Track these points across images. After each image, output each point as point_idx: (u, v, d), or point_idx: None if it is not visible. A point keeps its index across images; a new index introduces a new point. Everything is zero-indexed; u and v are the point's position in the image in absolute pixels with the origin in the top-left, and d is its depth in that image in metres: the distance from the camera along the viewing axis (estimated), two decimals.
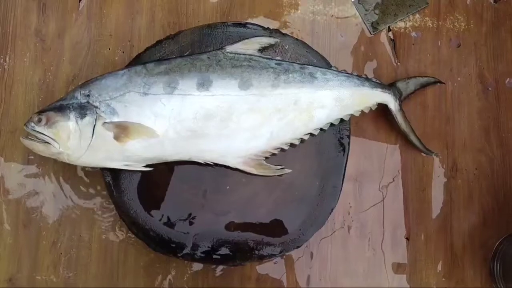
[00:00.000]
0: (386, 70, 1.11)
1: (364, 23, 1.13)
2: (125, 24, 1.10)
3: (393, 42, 1.13)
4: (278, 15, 1.13)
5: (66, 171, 1.04)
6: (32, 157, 1.04)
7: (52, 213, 1.03)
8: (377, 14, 1.14)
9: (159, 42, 0.99)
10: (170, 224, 0.94)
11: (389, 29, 1.13)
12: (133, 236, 0.97)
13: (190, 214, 0.95)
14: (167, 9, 1.11)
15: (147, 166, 0.93)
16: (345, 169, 0.98)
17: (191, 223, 0.95)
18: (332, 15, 1.13)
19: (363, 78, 0.98)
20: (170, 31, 1.09)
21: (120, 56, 1.09)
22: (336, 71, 0.98)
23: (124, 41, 1.10)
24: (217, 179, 0.95)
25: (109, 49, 1.09)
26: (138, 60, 0.98)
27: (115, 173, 0.94)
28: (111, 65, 1.08)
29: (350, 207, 1.06)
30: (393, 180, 1.08)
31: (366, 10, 1.14)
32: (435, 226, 1.07)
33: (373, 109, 1.00)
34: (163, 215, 0.94)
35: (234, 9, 1.12)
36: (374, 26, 1.13)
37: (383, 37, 1.13)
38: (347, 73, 0.98)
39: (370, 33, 1.13)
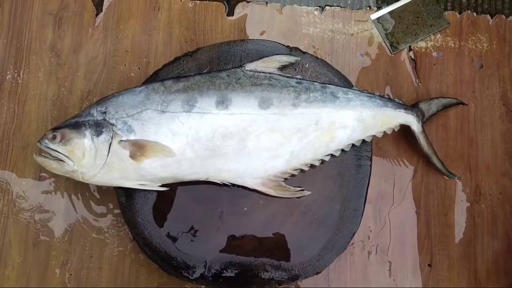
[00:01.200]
0: (407, 90, 1.10)
1: (385, 42, 1.12)
2: (142, 40, 1.10)
3: (414, 62, 1.11)
4: (296, 33, 1.11)
5: (78, 189, 1.02)
6: (44, 174, 1.03)
7: (63, 232, 1.01)
8: (397, 34, 1.12)
9: (177, 59, 0.99)
10: (184, 246, 0.92)
11: (410, 49, 1.12)
12: (146, 257, 0.94)
13: (205, 236, 0.92)
14: (185, 26, 1.11)
15: (162, 185, 0.91)
16: (367, 192, 0.95)
17: (206, 246, 0.93)
18: (352, 33, 1.12)
19: (385, 99, 0.96)
20: (188, 47, 1.09)
21: (136, 72, 1.08)
22: (358, 90, 0.96)
23: (140, 57, 1.09)
24: (234, 200, 0.93)
25: (125, 65, 1.09)
26: (155, 77, 0.97)
27: (130, 192, 0.92)
28: (126, 82, 1.08)
29: (370, 231, 1.04)
30: (415, 204, 1.05)
31: (386, 29, 1.13)
32: (458, 252, 1.04)
33: (396, 130, 0.98)
34: (177, 236, 0.92)
35: (252, 26, 1.12)
36: (395, 46, 1.12)
37: (404, 56, 1.12)
38: (369, 93, 0.96)
39: (391, 53, 1.12)
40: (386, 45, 1.12)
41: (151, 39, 1.10)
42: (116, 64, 1.09)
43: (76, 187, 1.02)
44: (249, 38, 1.08)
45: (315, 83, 0.94)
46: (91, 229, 1.01)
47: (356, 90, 0.96)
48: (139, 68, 1.08)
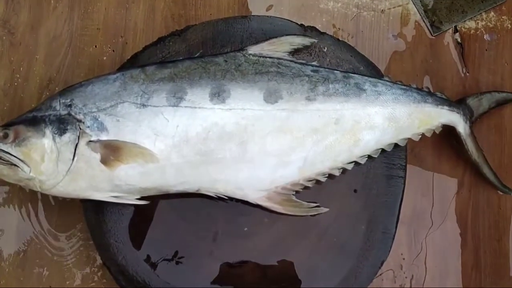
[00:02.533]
0: (451, 82, 1.10)
1: (424, 21, 1.12)
2: (117, 15, 1.11)
3: (460, 46, 1.12)
4: (312, 9, 1.12)
5: (34, 202, 1.03)
6: None
7: (14, 257, 1.01)
8: (440, 10, 1.13)
9: (161, 40, 0.99)
10: (167, 275, 0.92)
11: (456, 30, 1.12)
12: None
13: (195, 263, 0.93)
14: None
15: (142, 198, 0.91)
16: (399, 210, 0.96)
17: (195, 275, 0.93)
18: (383, 10, 1.13)
19: (424, 92, 0.97)
20: (175, 25, 1.10)
21: (109, 55, 1.09)
22: (390, 82, 0.96)
23: (115, 36, 1.10)
24: (232, 218, 0.94)
25: (96, 46, 1.09)
26: (134, 62, 0.98)
27: (100, 207, 0.93)
28: (98, 67, 1.09)
29: (403, 259, 1.04)
30: (459, 226, 1.05)
31: (425, 4, 1.13)
32: None
33: (437, 132, 0.98)
34: (159, 263, 0.92)
35: (255, 0, 1.12)
36: (437, 26, 1.12)
37: (448, 39, 1.12)
38: (404, 85, 0.96)
39: (431, 34, 1.12)
40: (426, 24, 1.12)
41: (128, 14, 1.11)
42: (85, 45, 1.09)
43: (33, 200, 1.03)
44: (252, 14, 1.08)
45: (335, 71, 0.95)
46: (51, 252, 1.01)
47: (387, 81, 0.96)
48: (113, 51, 1.09)
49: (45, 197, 1.02)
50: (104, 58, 1.09)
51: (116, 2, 1.11)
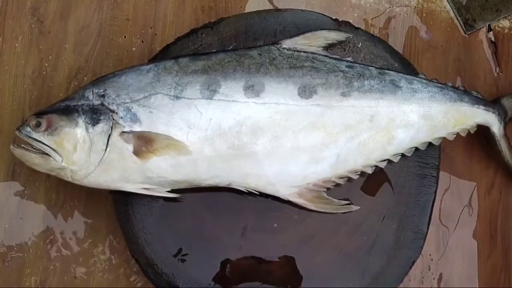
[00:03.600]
0: (484, 81, 1.10)
1: (457, 19, 1.12)
2: (147, 6, 1.10)
3: (494, 45, 1.11)
4: (344, 3, 1.11)
5: (61, 191, 1.03)
6: (19, 171, 1.03)
7: (41, 246, 1.01)
8: (474, 8, 1.12)
9: (194, 31, 0.99)
10: (196, 269, 0.92)
11: (490, 29, 1.11)
12: (147, 281, 0.95)
13: (223, 258, 0.93)
14: None
15: (172, 191, 0.91)
16: (431, 210, 0.95)
17: (224, 269, 0.93)
18: (415, 6, 1.12)
19: (460, 91, 0.96)
20: (205, 17, 1.09)
21: (138, 46, 1.09)
22: (426, 79, 0.95)
23: (144, 27, 1.10)
24: (262, 213, 0.93)
25: (125, 36, 1.09)
26: (166, 53, 0.97)
27: (130, 198, 0.93)
28: (126, 58, 1.08)
29: (431, 259, 1.04)
30: (490, 228, 1.05)
31: (459, 2, 1.12)
32: None
33: (472, 132, 0.97)
34: (188, 256, 0.92)
35: None
36: (470, 24, 1.11)
37: (482, 38, 1.11)
38: (440, 83, 0.96)
39: (464, 33, 1.11)
40: (459, 22, 1.12)
41: (158, 5, 1.10)
42: (114, 35, 1.09)
43: (59, 189, 1.03)
44: (283, 7, 1.07)
45: (370, 68, 0.94)
46: (78, 242, 1.02)
47: (423, 78, 0.95)
48: (142, 42, 1.09)
49: (72, 185, 1.01)
50: (133, 49, 1.08)
51: None
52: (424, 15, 1.12)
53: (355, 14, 1.11)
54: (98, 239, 1.02)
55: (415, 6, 1.12)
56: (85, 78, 1.07)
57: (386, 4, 1.12)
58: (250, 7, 1.10)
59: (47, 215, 1.03)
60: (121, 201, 0.93)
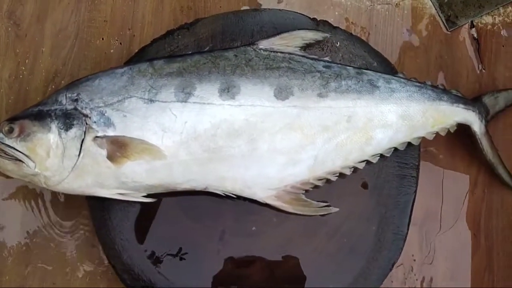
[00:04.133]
0: (466, 79, 1.08)
1: (439, 15, 1.11)
2: (125, 7, 1.10)
3: (476, 42, 1.10)
4: (325, 2, 1.10)
5: (38, 197, 1.02)
6: None
7: (18, 253, 1.00)
8: (456, 5, 1.11)
9: (170, 33, 0.98)
10: (173, 274, 0.92)
11: (472, 25, 1.10)
12: (124, 287, 0.94)
13: (201, 262, 0.92)
14: None
15: (148, 196, 0.90)
16: (411, 211, 0.94)
17: (201, 274, 0.92)
18: (397, 3, 1.11)
19: (439, 90, 0.95)
20: (184, 18, 1.09)
21: (117, 48, 1.08)
22: (404, 78, 0.95)
23: (122, 29, 1.09)
24: (240, 217, 0.93)
25: (103, 38, 1.08)
26: (142, 55, 0.97)
27: (106, 203, 0.92)
28: (104, 60, 1.08)
29: (414, 260, 1.03)
30: (472, 227, 1.04)
31: None
32: None
33: (452, 131, 0.96)
34: (165, 262, 0.92)
35: None
36: (452, 21, 1.10)
37: (464, 35, 1.10)
38: (419, 82, 0.95)
39: (447, 30, 1.10)
40: (441, 19, 1.11)
41: (136, 6, 1.10)
42: (92, 38, 1.08)
43: (36, 196, 1.02)
44: (263, 7, 1.06)
45: (348, 67, 0.93)
46: (55, 248, 1.00)
47: (401, 77, 0.95)
48: (120, 43, 1.08)
49: (49, 192, 1.00)
50: (111, 51, 1.08)
51: None
52: (406, 12, 1.11)
53: (336, 13, 1.10)
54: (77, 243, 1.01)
55: (397, 4, 1.11)
56: (62, 82, 1.06)
57: (368, 2, 1.11)
58: (230, 7, 1.09)
59: (25, 219, 1.01)
60: (97, 207, 0.92)
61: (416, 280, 1.02)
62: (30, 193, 1.02)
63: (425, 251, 1.03)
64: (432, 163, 1.05)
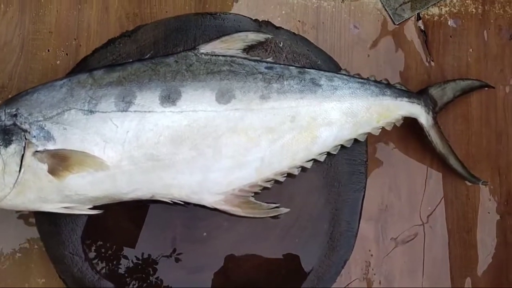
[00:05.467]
0: (415, 71, 1.08)
1: (386, 9, 1.10)
2: (70, 18, 1.08)
3: (424, 34, 1.10)
4: (272, 1, 1.10)
5: None
6: None
7: None
8: None
9: (111, 41, 0.97)
10: (126, 285, 0.91)
11: (419, 17, 1.10)
12: None
13: (154, 271, 0.91)
14: None
15: (94, 208, 0.89)
16: (361, 207, 0.94)
17: (156, 283, 0.91)
18: (343, 0, 1.10)
19: (383, 85, 0.95)
20: (130, 25, 1.07)
21: (63, 59, 1.07)
22: (347, 75, 0.94)
23: (68, 39, 1.07)
24: (190, 223, 0.92)
25: (49, 50, 1.07)
26: (84, 66, 0.96)
27: (54, 217, 0.91)
28: (51, 72, 1.06)
29: (371, 255, 1.03)
30: (428, 218, 1.04)
31: None
32: (486, 279, 1.03)
33: (398, 125, 0.96)
34: (117, 273, 0.91)
35: None
36: (399, 14, 1.10)
37: (411, 27, 1.10)
38: (362, 78, 0.95)
39: (394, 23, 1.10)
40: (387, 13, 1.10)
41: (81, 15, 1.08)
42: (37, 50, 1.07)
43: None
44: (209, 10, 1.05)
45: (290, 67, 0.93)
46: (8, 264, 0.99)
47: (344, 75, 0.94)
48: (67, 54, 1.07)
49: None
50: (58, 62, 1.06)
51: (68, 3, 1.08)
52: (353, 8, 1.11)
53: (283, 12, 1.10)
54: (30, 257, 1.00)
55: (343, 0, 1.10)
56: (9, 96, 1.04)
57: (314, 0, 1.10)
58: (176, 12, 1.08)
59: None
60: (45, 221, 0.91)
61: (375, 274, 1.02)
62: None
63: (382, 246, 1.03)
64: (385, 156, 1.05)
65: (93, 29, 1.08)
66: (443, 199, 1.05)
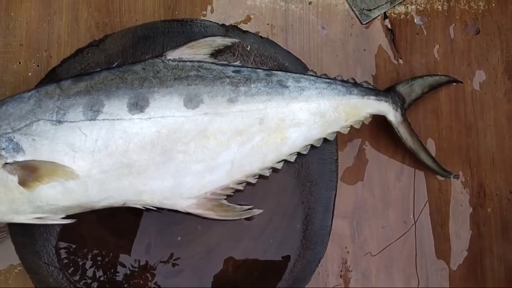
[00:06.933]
0: (384, 70, 1.09)
1: (352, 9, 1.11)
2: (40, 30, 1.08)
3: (391, 32, 1.10)
4: (240, 6, 1.10)
5: None
6: None
7: None
8: None
9: (79, 51, 0.97)
10: None
11: (385, 16, 1.10)
12: None
13: (130, 278, 0.91)
14: (94, 5, 1.09)
15: (67, 217, 0.89)
16: (334, 205, 0.94)
17: None
18: (311, 2, 1.11)
19: (349, 84, 0.95)
20: (100, 34, 1.07)
21: (34, 71, 1.07)
22: (314, 76, 0.94)
23: (39, 51, 1.07)
24: (165, 228, 0.92)
25: (20, 62, 1.07)
26: (52, 77, 0.95)
27: (27, 229, 0.90)
28: (23, 84, 1.06)
29: (348, 252, 1.03)
30: (402, 213, 1.04)
31: None
32: (461, 271, 1.03)
33: (366, 123, 0.96)
34: (93, 282, 0.90)
35: (182, 3, 1.09)
36: (365, 13, 1.10)
37: (378, 26, 1.10)
38: (329, 78, 0.95)
39: (361, 23, 1.10)
40: (355, 13, 1.11)
41: (51, 26, 1.08)
42: (8, 62, 1.06)
43: None
44: (178, 18, 1.05)
45: (258, 70, 0.93)
46: None
47: (311, 75, 0.94)
48: (38, 66, 1.07)
49: None
50: (29, 74, 1.06)
51: (37, 15, 1.08)
52: (320, 9, 1.11)
53: (252, 16, 1.10)
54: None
55: (310, 2, 1.10)
56: None
57: (282, 3, 1.11)
58: (145, 20, 1.08)
59: None
60: (19, 232, 0.90)
61: (351, 271, 1.02)
62: None
63: (358, 242, 1.03)
64: (357, 153, 1.05)
65: (63, 40, 1.08)
66: (416, 194, 1.04)
